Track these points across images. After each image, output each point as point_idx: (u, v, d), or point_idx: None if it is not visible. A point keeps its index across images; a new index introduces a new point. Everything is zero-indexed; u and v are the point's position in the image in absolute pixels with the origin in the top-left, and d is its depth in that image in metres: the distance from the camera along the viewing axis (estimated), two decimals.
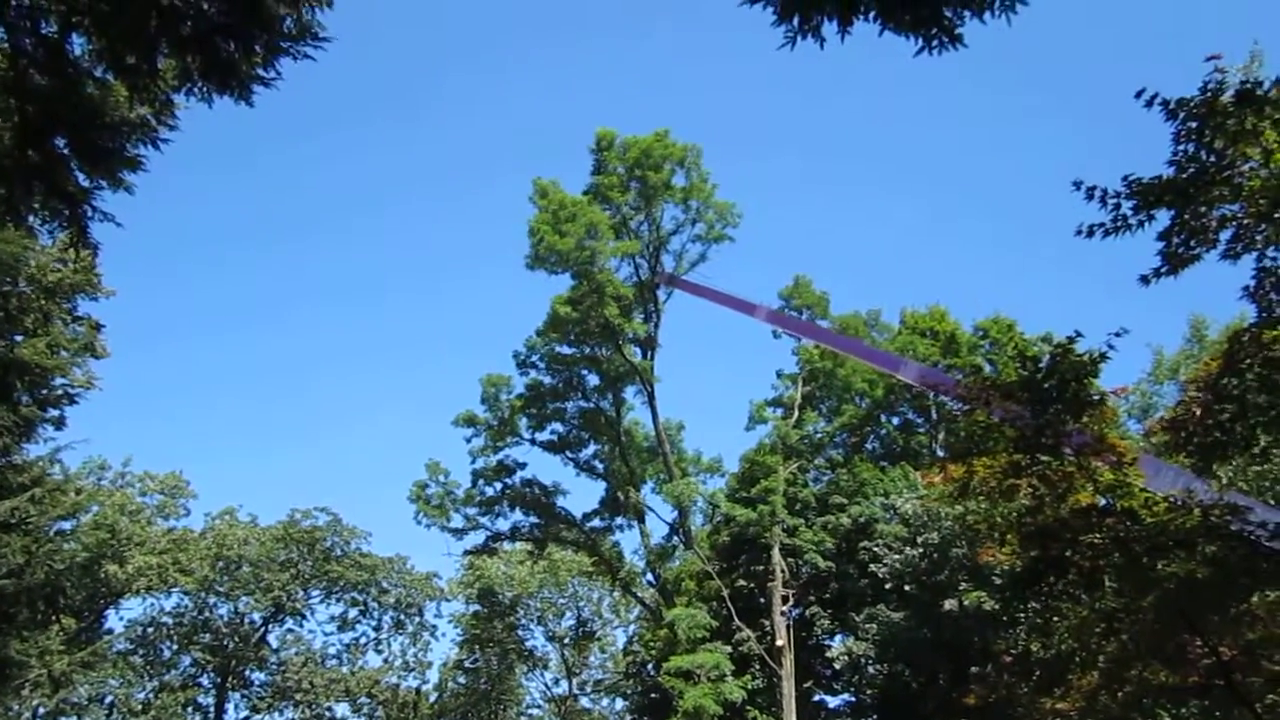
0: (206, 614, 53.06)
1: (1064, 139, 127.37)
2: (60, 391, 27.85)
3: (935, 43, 6.83)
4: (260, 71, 9.07)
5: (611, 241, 42.57)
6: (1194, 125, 11.28)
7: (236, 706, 54.48)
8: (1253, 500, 16.54)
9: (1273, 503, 21.78)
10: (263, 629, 54.91)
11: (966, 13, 6.70)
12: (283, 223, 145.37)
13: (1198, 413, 14.23)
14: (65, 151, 9.74)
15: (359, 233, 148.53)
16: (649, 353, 44.89)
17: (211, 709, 52.71)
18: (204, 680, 53.14)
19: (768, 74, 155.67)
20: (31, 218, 10.61)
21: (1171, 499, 14.84)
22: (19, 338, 25.98)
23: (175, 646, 52.53)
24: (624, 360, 43.85)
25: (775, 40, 6.98)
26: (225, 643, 52.96)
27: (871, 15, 6.76)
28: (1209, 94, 11.11)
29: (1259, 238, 11.85)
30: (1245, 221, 11.72)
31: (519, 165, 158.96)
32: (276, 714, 54.68)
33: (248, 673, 54.65)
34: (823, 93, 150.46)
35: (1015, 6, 6.68)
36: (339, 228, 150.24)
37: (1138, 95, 11.38)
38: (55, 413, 27.80)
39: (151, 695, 49.68)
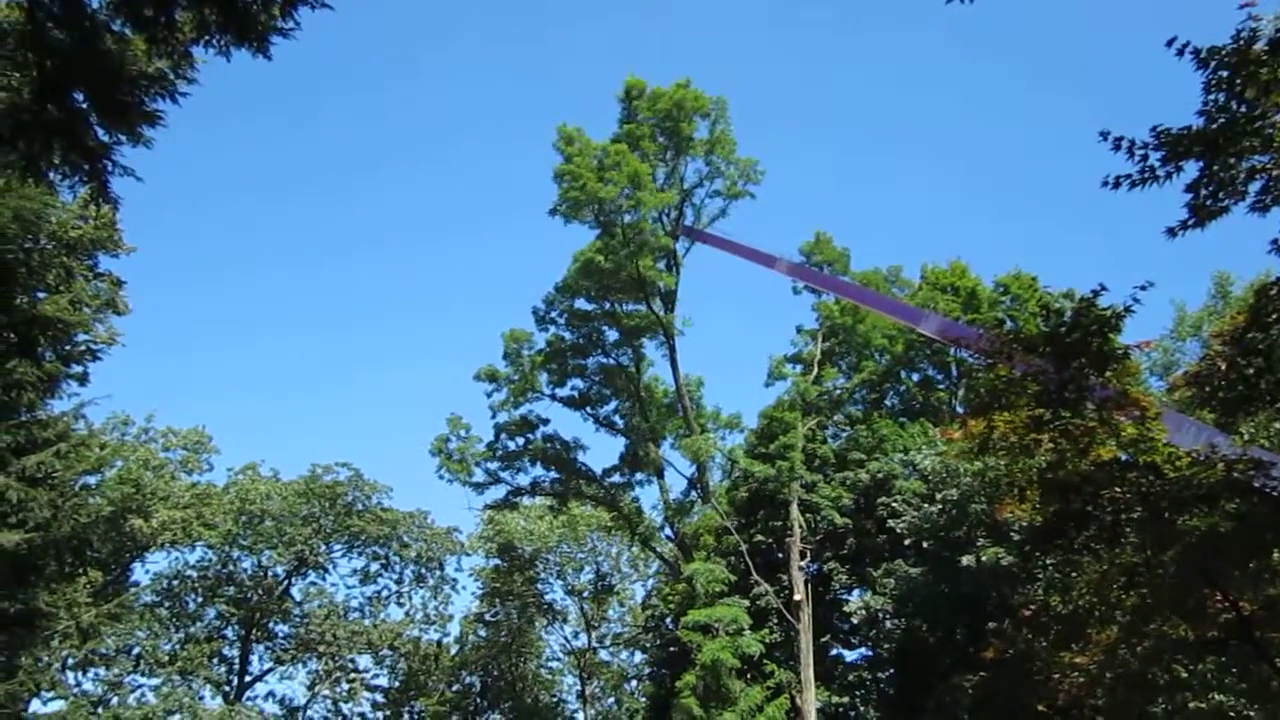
0: (230, 567, 53.68)
1: (1091, 94, 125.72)
2: (83, 347, 28.05)
3: None
4: (278, 23, 9.01)
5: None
6: (1225, 74, 11.06)
7: (260, 658, 55.30)
8: (1276, 455, 16.43)
9: None
10: (286, 582, 55.54)
11: None
12: (306, 170, 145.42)
13: (1223, 367, 14.10)
14: (84, 106, 9.72)
15: (381, 183, 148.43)
16: (670, 306, 44.84)
17: (236, 660, 53.46)
18: (228, 632, 53.85)
19: (786, 41, 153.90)
20: (51, 173, 10.60)
21: (1195, 454, 14.75)
22: (41, 294, 26.13)
23: (200, 599, 53.18)
24: (650, 313, 43.80)
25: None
26: (249, 595, 53.63)
27: None
28: (1241, 42, 10.89)
29: None
30: (1275, 173, 11.52)
31: (539, 118, 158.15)
32: (300, 665, 55.41)
33: (271, 625, 55.33)
34: (845, 59, 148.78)
35: None
36: (361, 177, 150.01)
37: (1169, 44, 11.16)
38: (79, 368, 28.02)
39: (177, 647, 50.39)
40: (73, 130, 9.66)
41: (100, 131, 9.94)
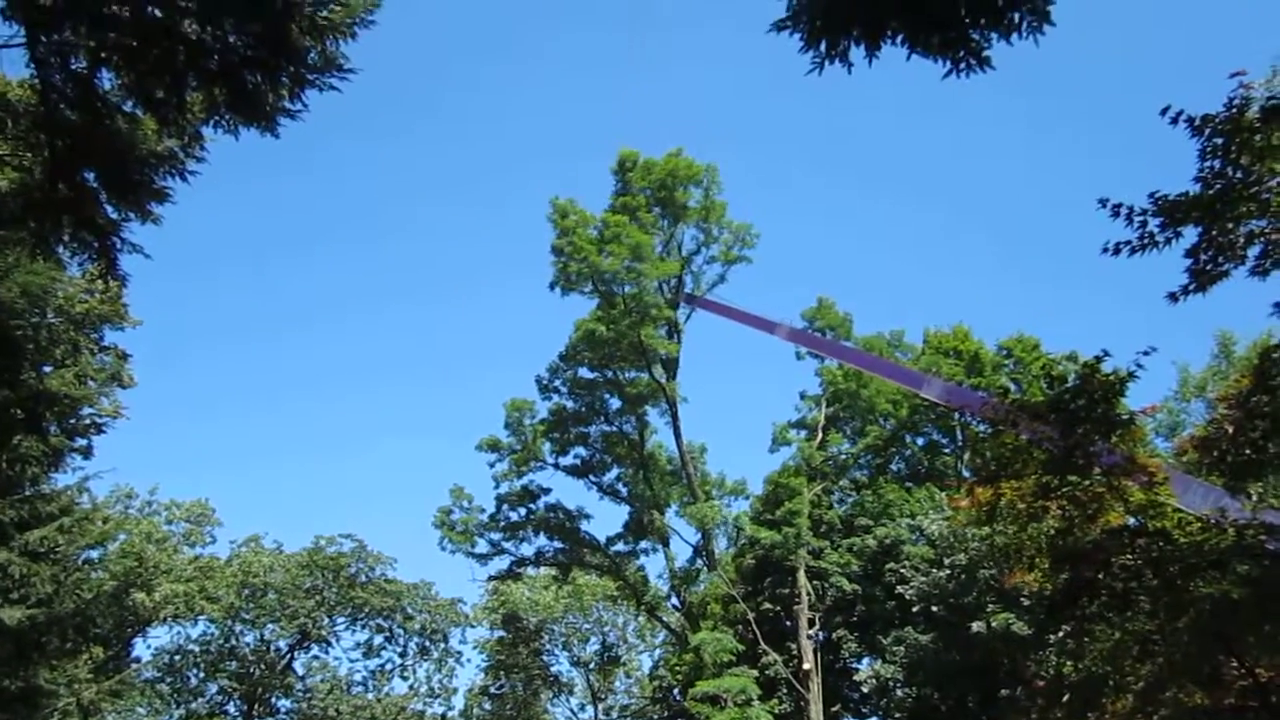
0: (233, 642, 53.19)
1: (1087, 158, 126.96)
2: (88, 421, 28.12)
3: (963, 65, 6.82)
4: (286, 104, 9.17)
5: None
6: (1219, 141, 11.21)
7: None
8: None
9: None
10: (288, 656, 54.96)
11: (993, 35, 6.69)
12: (302, 236, 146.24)
13: (1230, 430, 14.10)
14: (94, 184, 9.86)
15: (380, 247, 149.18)
16: (672, 374, 44.90)
17: None
18: (230, 708, 53.18)
19: (780, 87, 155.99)
20: (60, 249, 10.72)
21: (1205, 518, 14.68)
22: (48, 368, 26.21)
23: (202, 674, 52.65)
24: (651, 380, 43.86)
25: (800, 62, 6.99)
26: (251, 670, 53.03)
27: (899, 39, 6.76)
28: (1234, 110, 11.05)
29: None
30: (1274, 237, 11.62)
31: (540, 176, 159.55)
32: None
33: (274, 700, 54.62)
34: (841, 110, 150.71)
35: (1043, 28, 6.67)
36: (360, 241, 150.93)
37: (1163, 112, 11.33)
38: (83, 442, 28.06)
39: None
40: (82, 208, 9.80)
41: (109, 209, 10.08)
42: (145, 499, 50.84)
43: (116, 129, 9.45)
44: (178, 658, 52.11)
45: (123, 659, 48.05)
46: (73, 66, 8.88)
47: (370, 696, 56.44)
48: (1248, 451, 13.62)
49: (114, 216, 10.07)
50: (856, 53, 6.90)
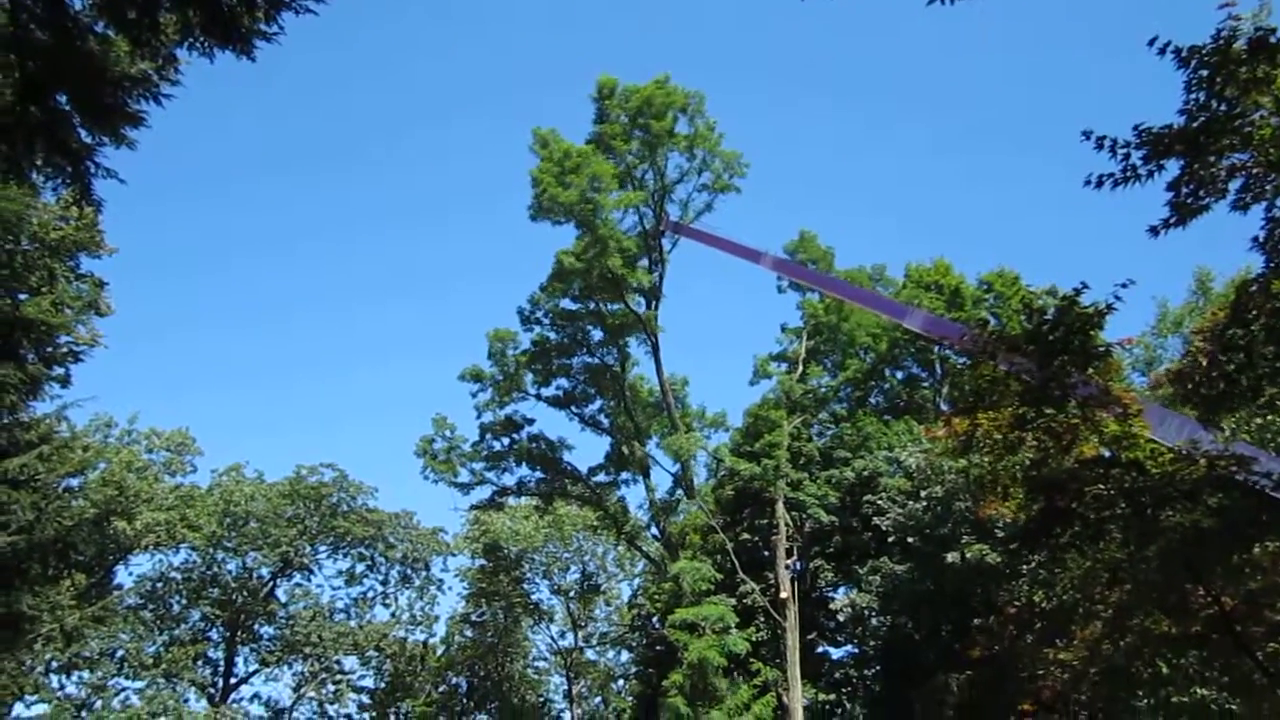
0: (215, 569, 53.42)
1: (1072, 88, 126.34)
2: (65, 349, 27.86)
3: None
4: (262, 26, 8.99)
5: (615, 193, 42.19)
6: (1206, 73, 11.14)
7: (245, 660, 55.04)
8: (1257, 450, 16.56)
9: (1276, 453, 21.81)
10: (271, 584, 55.32)
11: None
12: (286, 158, 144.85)
13: (1204, 363, 14.21)
14: (66, 108, 9.68)
15: (364, 171, 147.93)
16: (653, 303, 44.72)
17: (221, 662, 53.28)
18: (213, 634, 53.65)
19: (769, 35, 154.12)
20: (34, 175, 10.56)
21: (1177, 450, 14.85)
22: (23, 296, 25.97)
23: (184, 601, 52.93)
24: (629, 311, 43.73)
25: None
26: (234, 597, 53.39)
27: None
28: (1222, 41, 10.97)
29: (1269, 187, 11.74)
30: (1255, 171, 11.60)
31: (528, 97, 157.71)
32: (285, 667, 55.20)
33: (256, 627, 55.11)
34: (828, 33, 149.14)
35: None
36: (344, 165, 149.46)
37: (1150, 43, 11.24)
38: (61, 370, 27.83)
39: (162, 649, 50.14)
40: (55, 132, 9.61)
41: (83, 133, 9.91)
42: (125, 428, 50.73)
43: (89, 50, 9.26)
44: (160, 585, 52.35)
45: (105, 586, 48.22)
46: None
47: (352, 623, 57.01)
48: (1221, 384, 13.73)
49: (87, 140, 9.90)
50: None
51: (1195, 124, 11.42)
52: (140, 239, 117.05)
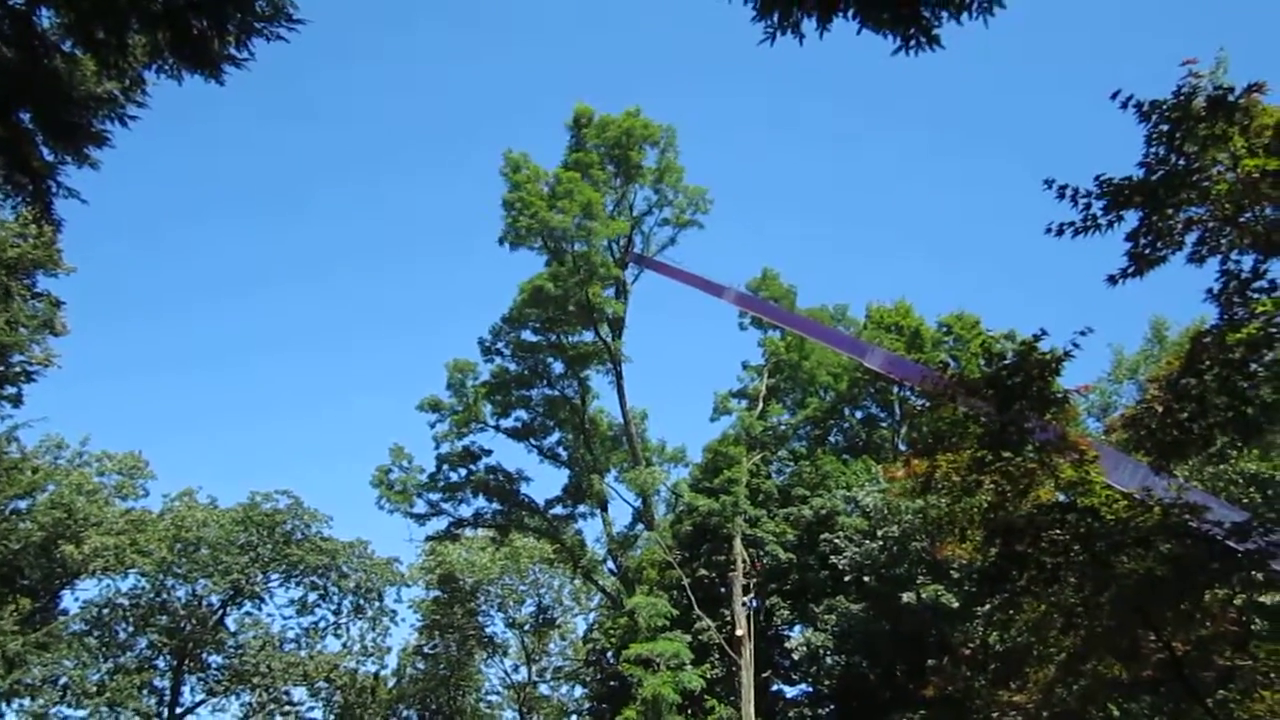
0: (164, 596, 52.43)
1: (1032, 139, 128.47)
2: (18, 368, 27.50)
3: (913, 42, 6.86)
4: (232, 51, 8.96)
5: (590, 221, 42.38)
6: (1165, 128, 11.40)
7: (192, 689, 53.90)
8: (1210, 497, 16.78)
9: (1228, 501, 22.11)
10: (220, 612, 54.39)
11: (944, 13, 6.73)
12: (246, 198, 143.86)
13: (1158, 411, 14.40)
14: (30, 125, 9.58)
15: (324, 208, 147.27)
16: (617, 334, 44.84)
17: (167, 691, 52.15)
18: (160, 662, 52.53)
19: (733, 63, 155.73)
20: None
21: (1132, 496, 15.04)
22: None
23: (131, 628, 51.88)
24: (597, 339, 43.78)
25: (753, 34, 6.99)
26: (182, 625, 52.40)
27: (850, 13, 6.77)
28: (1182, 98, 11.23)
29: (1224, 241, 12.01)
30: (1211, 225, 11.86)
31: (491, 136, 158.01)
32: (233, 697, 54.17)
33: (205, 655, 54.07)
34: (790, 86, 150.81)
35: (993, 9, 6.71)
36: (302, 204, 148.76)
37: (1113, 96, 11.49)
38: (13, 390, 27.47)
39: (106, 677, 49.08)
40: (17, 149, 9.52)
41: (45, 151, 9.81)
42: (76, 449, 49.90)
43: (55, 69, 9.19)
44: (106, 611, 51.31)
45: (50, 611, 47.34)
46: (11, 3, 8.62)
47: (303, 654, 56.07)
48: (1174, 432, 13.93)
49: (50, 159, 9.80)
50: (809, 25, 6.91)
51: (1154, 177, 11.67)
52: (101, 268, 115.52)
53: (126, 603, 51.82)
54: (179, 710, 52.37)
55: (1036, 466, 15.24)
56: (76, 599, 51.68)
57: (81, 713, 47.13)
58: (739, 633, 37.11)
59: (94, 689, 47.77)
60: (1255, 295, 12.24)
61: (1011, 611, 18.07)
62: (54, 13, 8.77)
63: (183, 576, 52.13)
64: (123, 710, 47.89)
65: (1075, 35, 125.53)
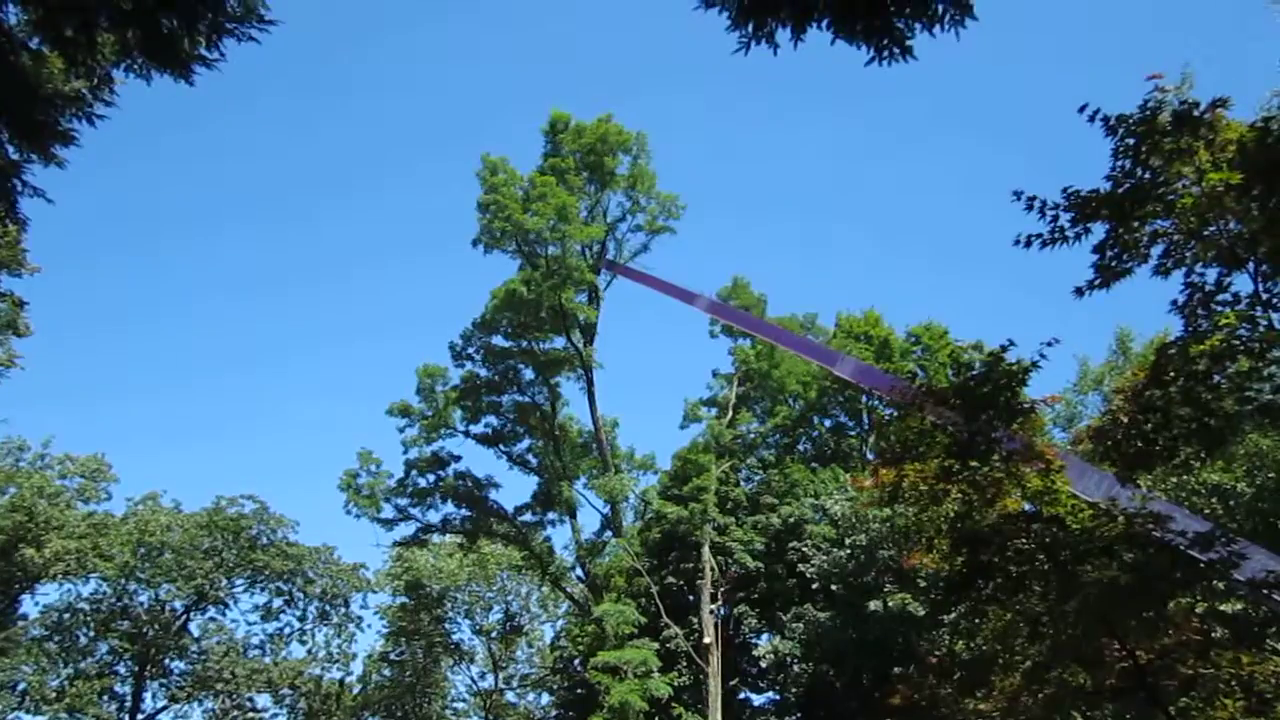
0: (126, 601, 51.81)
1: (1001, 152, 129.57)
2: None
3: (886, 53, 6.91)
4: (203, 51, 8.88)
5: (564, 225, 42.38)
6: (1131, 142, 11.54)
7: (154, 696, 53.25)
8: (1173, 507, 16.95)
9: (1191, 511, 22.33)
10: (184, 617, 53.81)
11: (918, 25, 6.78)
12: (212, 208, 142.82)
13: (1123, 422, 14.54)
14: None
15: (291, 217, 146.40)
16: (589, 340, 44.83)
17: (128, 697, 51.55)
18: (121, 668, 51.91)
19: (707, 92, 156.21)
20: None
21: (1097, 506, 15.18)
22: None
23: (92, 633, 51.25)
24: (569, 346, 43.74)
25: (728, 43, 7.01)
26: (145, 630, 51.78)
27: (825, 23, 6.81)
28: (1148, 113, 11.38)
29: (1189, 254, 12.17)
30: (1176, 238, 12.02)
31: (456, 144, 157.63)
32: (196, 704, 53.58)
33: (167, 661, 53.48)
34: (768, 91, 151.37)
35: (965, 21, 6.77)
36: (271, 212, 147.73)
37: (1081, 109, 11.62)
38: None
39: (66, 683, 48.50)
40: None
41: (10, 149, 9.71)
42: (38, 451, 49.23)
43: (21, 66, 9.08)
44: (67, 616, 50.69)
45: (9, 616, 46.69)
46: None
47: (267, 660, 55.58)
48: (1139, 443, 14.08)
49: (15, 157, 9.70)
50: (783, 35, 6.94)
51: (1121, 190, 11.80)
52: (71, 268, 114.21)
53: (88, 607, 51.20)
54: (140, 717, 51.72)
55: (1003, 476, 15.34)
56: (37, 604, 51.10)
57: (40, 718, 46.63)
58: (707, 640, 37.14)
59: (53, 694, 47.22)
60: (1219, 308, 12.40)
61: (977, 620, 18.20)
62: (21, 9, 8.68)
63: (145, 581, 51.54)
64: (83, 716, 47.36)
65: (1048, 36, 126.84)
